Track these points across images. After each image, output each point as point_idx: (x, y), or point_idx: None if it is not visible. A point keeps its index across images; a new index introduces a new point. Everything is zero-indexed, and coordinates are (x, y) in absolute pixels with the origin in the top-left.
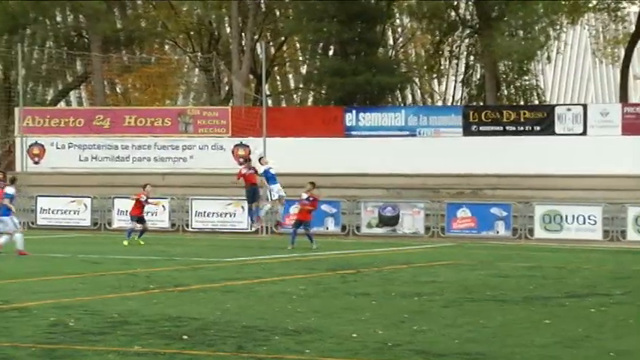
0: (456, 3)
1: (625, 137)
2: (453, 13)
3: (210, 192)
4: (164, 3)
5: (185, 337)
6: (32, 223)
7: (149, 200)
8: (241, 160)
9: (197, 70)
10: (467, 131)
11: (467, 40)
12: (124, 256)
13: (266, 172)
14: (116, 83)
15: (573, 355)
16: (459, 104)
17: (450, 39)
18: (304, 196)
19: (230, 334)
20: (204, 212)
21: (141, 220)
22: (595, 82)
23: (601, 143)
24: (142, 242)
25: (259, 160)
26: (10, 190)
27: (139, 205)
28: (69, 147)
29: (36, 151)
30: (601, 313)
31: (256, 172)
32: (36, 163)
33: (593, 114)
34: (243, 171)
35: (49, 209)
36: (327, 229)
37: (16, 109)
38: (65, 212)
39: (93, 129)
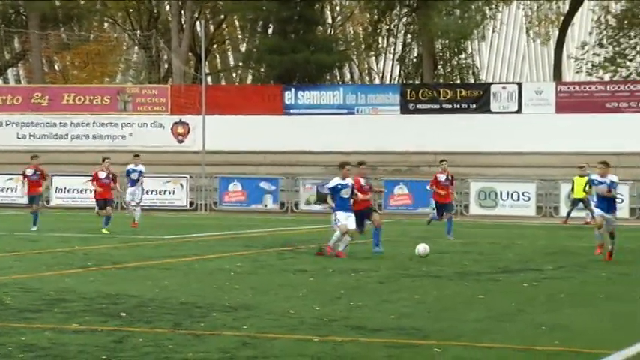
0: None
1: (559, 115)
2: None
3: (149, 170)
4: None
5: (123, 314)
6: None
7: (113, 178)
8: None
9: (136, 48)
10: (404, 109)
11: (404, 19)
12: (61, 234)
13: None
14: (55, 61)
15: (506, 328)
16: (396, 82)
17: (387, 17)
18: (362, 181)
19: (167, 311)
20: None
21: (108, 203)
22: (530, 61)
23: (535, 121)
24: (106, 231)
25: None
26: None
27: (101, 185)
28: (7, 125)
29: None
30: (533, 288)
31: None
32: None
33: (527, 92)
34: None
35: None
36: (266, 206)
37: None
38: (2, 190)
39: (31, 107)
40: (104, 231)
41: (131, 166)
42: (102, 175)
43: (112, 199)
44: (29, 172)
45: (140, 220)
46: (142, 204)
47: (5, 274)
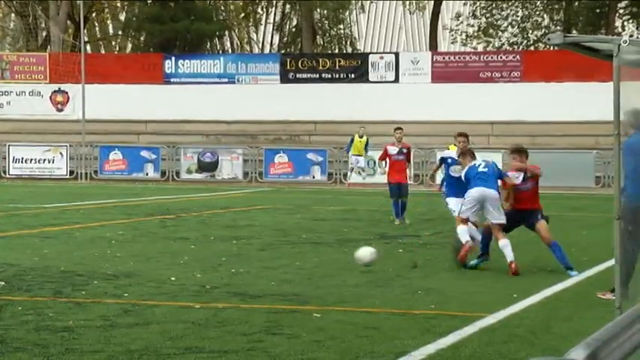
0: None
1: (434, 85)
2: None
3: (28, 138)
4: None
5: (2, 282)
6: None
7: None
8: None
9: (13, 15)
10: (284, 79)
11: None
12: None
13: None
14: None
15: (384, 293)
16: (275, 52)
17: None
18: (394, 150)
19: (48, 280)
20: (22, 159)
21: None
22: (406, 32)
23: (412, 90)
24: None
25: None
26: None
27: None
28: None
29: None
30: (410, 254)
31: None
32: None
33: (404, 62)
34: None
35: None
36: (147, 174)
37: None
38: None
39: None
40: None
41: None
42: None
43: None
44: None
45: None
46: (19, 173)
47: None
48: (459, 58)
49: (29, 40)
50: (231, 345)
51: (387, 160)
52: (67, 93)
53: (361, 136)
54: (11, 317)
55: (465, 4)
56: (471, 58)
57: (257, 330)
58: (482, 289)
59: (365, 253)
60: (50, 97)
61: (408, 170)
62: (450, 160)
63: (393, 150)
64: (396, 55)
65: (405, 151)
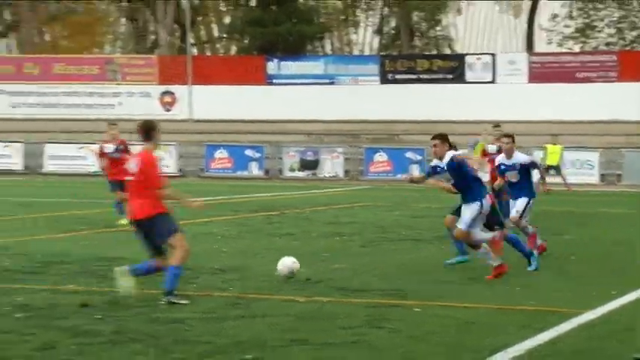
0: None
1: (531, 85)
2: None
3: (138, 138)
4: None
5: None
6: None
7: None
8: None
9: (123, 19)
10: (383, 79)
11: None
12: (55, 199)
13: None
14: (44, 32)
15: (482, 289)
16: (375, 53)
17: None
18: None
19: (159, 274)
20: None
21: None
22: (503, 33)
23: (508, 90)
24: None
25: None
26: None
27: (112, 162)
28: (0, 94)
29: None
30: (508, 252)
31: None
32: None
33: (501, 63)
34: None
35: None
36: (252, 172)
37: None
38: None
39: (23, 76)
40: (122, 222)
41: None
42: (109, 148)
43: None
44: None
45: None
46: None
47: (3, 237)
48: (556, 58)
49: (139, 44)
50: (335, 338)
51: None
52: (174, 94)
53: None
54: (126, 310)
55: (561, 6)
56: (567, 58)
57: (359, 324)
58: (580, 286)
59: (285, 264)
60: (159, 98)
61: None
62: (502, 167)
63: (492, 148)
64: (493, 56)
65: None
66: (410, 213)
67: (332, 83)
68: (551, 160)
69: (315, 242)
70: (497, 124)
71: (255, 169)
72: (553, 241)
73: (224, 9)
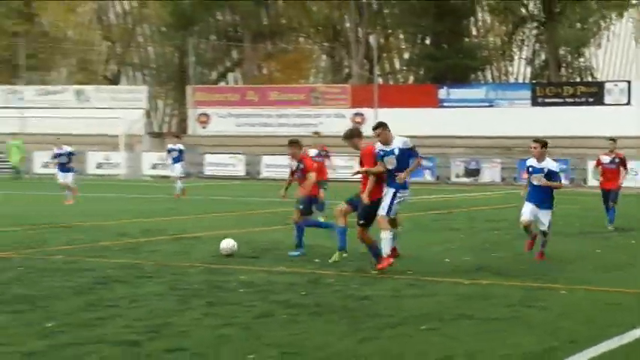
0: (526, 1)
1: None
2: (523, 10)
3: (335, 150)
4: (299, 3)
5: (317, 260)
6: (200, 174)
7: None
8: None
9: (324, 56)
10: (534, 103)
11: (534, 31)
12: (270, 199)
13: None
14: (263, 67)
15: (621, 276)
16: (527, 82)
17: (520, 30)
18: (606, 159)
19: (350, 259)
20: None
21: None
22: (638, 63)
23: None
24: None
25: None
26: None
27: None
28: (228, 116)
29: (203, 119)
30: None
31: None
32: (203, 128)
33: (636, 88)
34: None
35: (213, 163)
36: (425, 178)
37: (189, 87)
38: (225, 165)
39: (245, 102)
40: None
41: (170, 146)
42: (312, 152)
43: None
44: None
45: (180, 191)
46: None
47: (228, 228)
48: None
49: (335, 75)
50: (496, 314)
51: (600, 168)
52: (363, 115)
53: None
54: (325, 287)
55: None
56: None
57: (515, 302)
58: None
59: (226, 244)
60: (351, 118)
61: (621, 177)
62: (530, 169)
63: (605, 159)
64: (629, 82)
65: (617, 160)
66: (556, 211)
67: (491, 106)
68: None
69: (478, 236)
70: (612, 138)
71: (427, 176)
72: None
73: (404, 46)
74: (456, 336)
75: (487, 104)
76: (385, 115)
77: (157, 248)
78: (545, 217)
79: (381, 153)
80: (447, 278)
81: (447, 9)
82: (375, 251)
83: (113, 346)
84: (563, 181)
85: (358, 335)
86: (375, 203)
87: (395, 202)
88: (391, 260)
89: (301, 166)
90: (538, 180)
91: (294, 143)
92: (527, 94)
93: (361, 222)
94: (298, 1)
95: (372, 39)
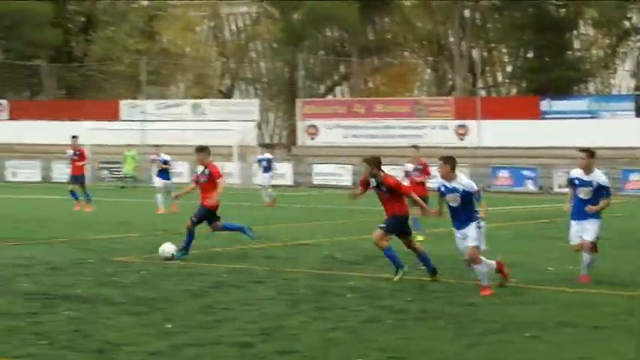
0: (629, 15)
1: None
2: (627, 22)
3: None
4: (404, 19)
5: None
6: (309, 183)
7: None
8: None
9: (428, 70)
10: (638, 114)
11: (638, 43)
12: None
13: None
14: (369, 80)
15: None
16: (630, 93)
17: (623, 42)
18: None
19: (453, 266)
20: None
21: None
22: None
23: None
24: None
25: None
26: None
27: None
28: (336, 127)
29: (312, 130)
30: None
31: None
32: (312, 139)
33: None
34: None
35: (322, 172)
36: (527, 188)
37: (298, 100)
38: (333, 175)
39: (353, 114)
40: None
41: (260, 156)
42: (409, 167)
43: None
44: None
45: (271, 200)
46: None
47: (336, 236)
48: None
49: (439, 88)
50: (599, 322)
51: None
52: (466, 126)
53: None
54: (430, 294)
55: None
56: None
57: (619, 311)
58: None
59: (164, 248)
60: (454, 130)
61: None
62: (577, 182)
63: None
64: None
65: None
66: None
67: (594, 117)
68: None
69: None
70: None
71: (530, 186)
72: None
73: (507, 60)
74: (559, 343)
75: (589, 116)
76: (488, 126)
77: (267, 254)
78: (592, 224)
79: (442, 189)
80: (548, 286)
81: (550, 23)
82: (392, 260)
83: (229, 347)
84: None
85: (463, 341)
86: (401, 218)
87: (481, 232)
88: (493, 292)
89: (207, 171)
90: (585, 194)
91: (203, 150)
92: (631, 105)
93: (382, 225)
94: (403, 17)
95: (475, 53)
